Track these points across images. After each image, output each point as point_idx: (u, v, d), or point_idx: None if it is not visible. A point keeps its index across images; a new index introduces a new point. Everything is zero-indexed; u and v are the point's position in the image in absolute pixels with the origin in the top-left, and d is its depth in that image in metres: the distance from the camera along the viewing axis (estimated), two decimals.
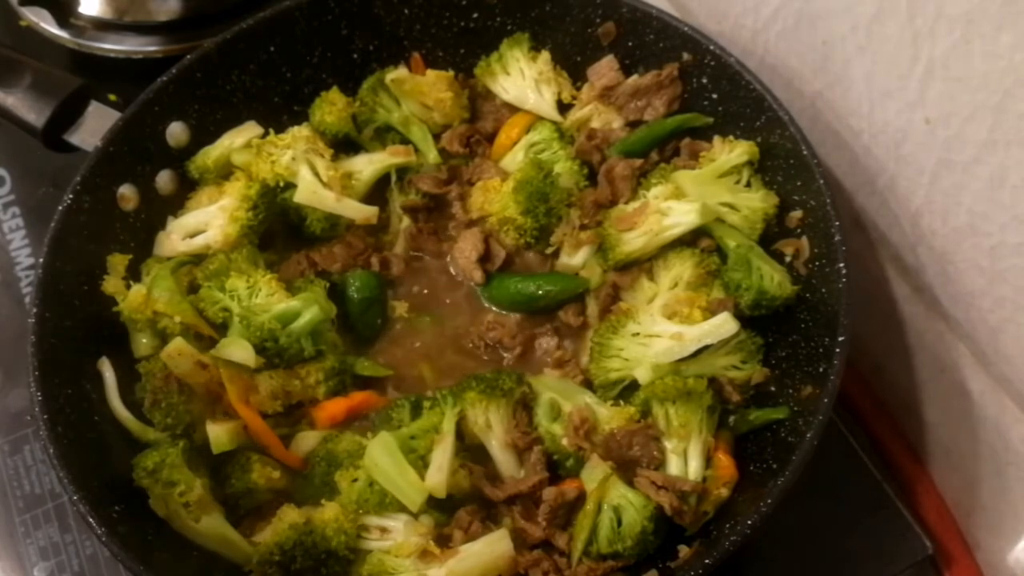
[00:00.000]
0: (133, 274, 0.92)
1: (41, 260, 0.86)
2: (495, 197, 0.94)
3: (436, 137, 1.03)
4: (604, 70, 1.00)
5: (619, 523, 0.77)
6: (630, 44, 0.99)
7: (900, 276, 0.90)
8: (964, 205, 0.76)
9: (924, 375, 0.93)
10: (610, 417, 0.82)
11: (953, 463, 0.93)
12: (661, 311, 0.86)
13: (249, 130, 0.99)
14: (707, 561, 0.72)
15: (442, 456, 0.79)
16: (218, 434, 0.82)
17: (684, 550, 0.78)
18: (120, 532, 0.74)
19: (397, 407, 0.86)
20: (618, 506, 0.78)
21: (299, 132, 0.98)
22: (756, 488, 0.78)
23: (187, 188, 0.99)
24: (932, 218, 0.81)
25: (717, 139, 0.94)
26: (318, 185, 0.93)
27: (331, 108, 1.00)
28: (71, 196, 0.89)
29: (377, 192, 1.00)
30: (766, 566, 0.87)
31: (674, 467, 0.80)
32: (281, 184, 0.95)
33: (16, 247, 1.12)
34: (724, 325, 0.82)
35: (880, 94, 0.80)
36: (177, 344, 0.83)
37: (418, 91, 1.01)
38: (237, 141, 0.98)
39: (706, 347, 0.83)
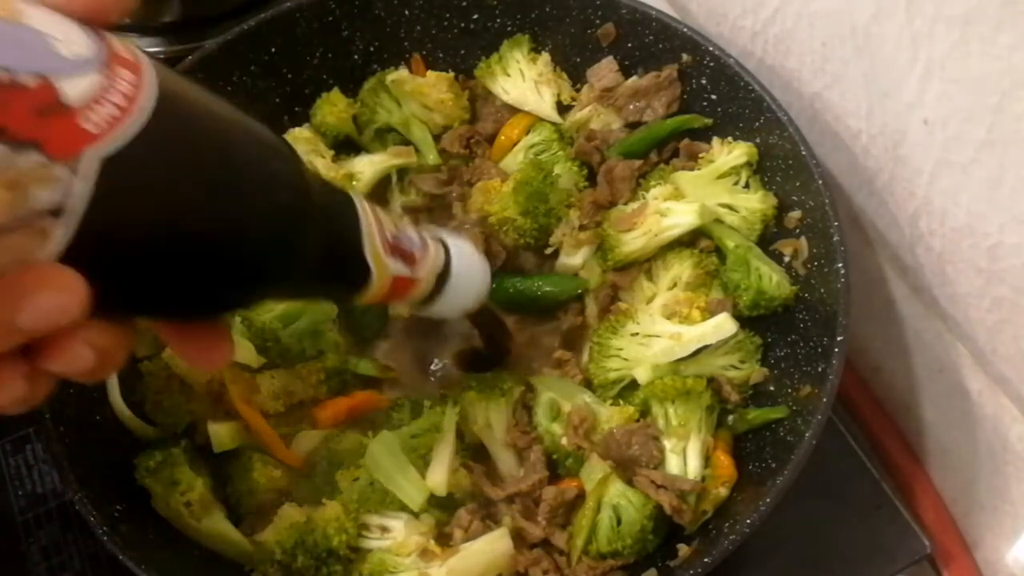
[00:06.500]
0: None
1: None
2: (495, 197, 0.94)
3: (436, 138, 1.03)
4: (603, 71, 1.00)
5: (618, 522, 0.78)
6: (629, 45, 0.99)
7: (898, 276, 0.90)
8: (962, 206, 0.76)
9: (922, 375, 0.93)
10: (609, 416, 0.82)
11: (952, 462, 0.93)
12: (660, 311, 0.87)
13: None
14: (706, 560, 0.72)
15: (443, 455, 0.80)
16: (219, 433, 0.82)
17: (683, 549, 0.78)
18: (122, 531, 0.74)
19: (398, 407, 0.86)
20: (617, 505, 0.78)
21: (300, 133, 0.98)
22: (755, 487, 0.78)
23: None
24: (930, 219, 0.81)
25: (716, 140, 0.94)
26: None
27: (332, 109, 1.01)
28: None
29: (378, 192, 1.00)
30: (764, 565, 0.88)
31: (673, 466, 0.80)
32: None
33: None
34: (723, 325, 0.83)
35: (879, 95, 0.80)
36: None
37: (419, 92, 1.02)
38: None
39: (705, 347, 0.83)
